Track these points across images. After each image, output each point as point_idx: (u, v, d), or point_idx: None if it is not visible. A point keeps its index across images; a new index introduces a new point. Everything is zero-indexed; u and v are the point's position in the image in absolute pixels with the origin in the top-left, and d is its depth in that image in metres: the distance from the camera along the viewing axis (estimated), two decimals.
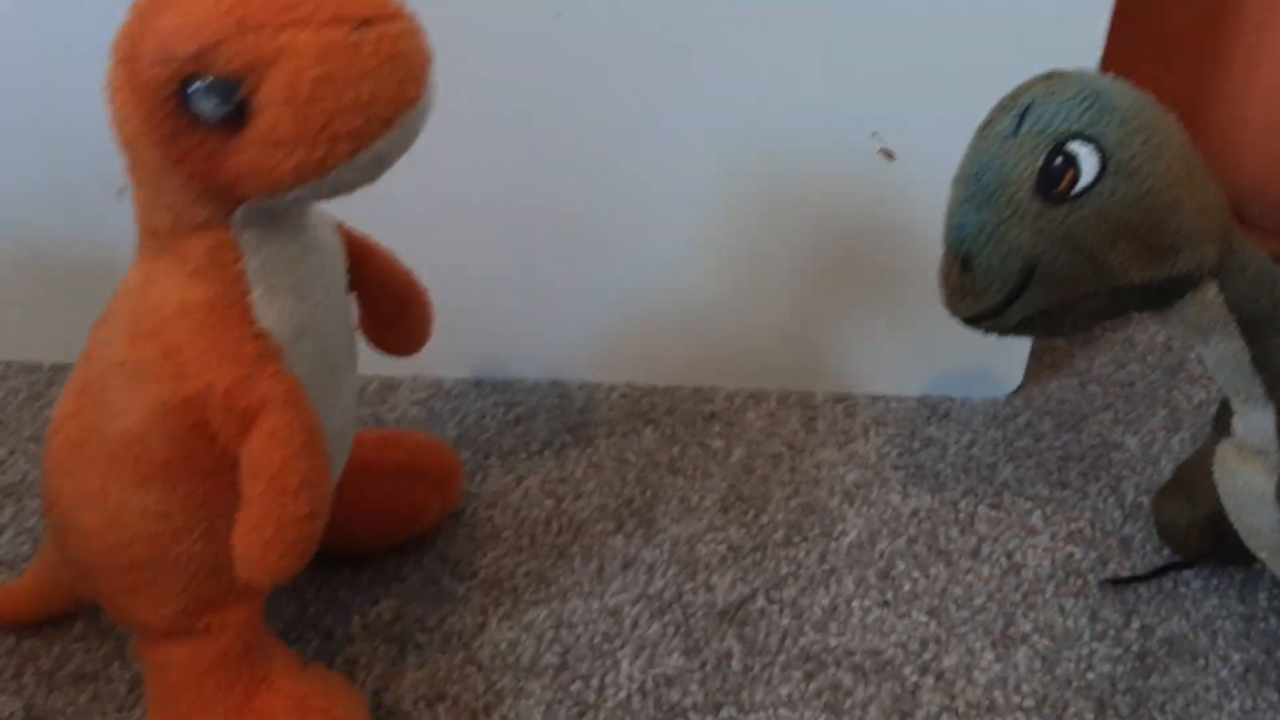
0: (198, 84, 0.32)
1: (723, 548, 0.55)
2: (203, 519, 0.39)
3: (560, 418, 0.65)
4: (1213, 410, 0.53)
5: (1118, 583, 0.53)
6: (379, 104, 0.32)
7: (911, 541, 0.56)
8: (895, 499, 0.59)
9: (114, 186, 0.61)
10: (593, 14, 0.55)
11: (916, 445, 0.63)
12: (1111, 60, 0.56)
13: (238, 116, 0.32)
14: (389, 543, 0.54)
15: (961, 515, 0.58)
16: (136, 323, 0.37)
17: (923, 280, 0.63)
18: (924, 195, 0.60)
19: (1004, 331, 0.42)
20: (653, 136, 0.59)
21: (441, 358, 0.63)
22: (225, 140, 0.33)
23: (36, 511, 0.57)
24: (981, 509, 0.58)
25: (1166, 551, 0.55)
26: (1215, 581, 0.53)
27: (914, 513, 0.58)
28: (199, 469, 0.38)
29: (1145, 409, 0.65)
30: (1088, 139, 0.37)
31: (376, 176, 0.34)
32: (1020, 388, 0.67)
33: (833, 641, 0.51)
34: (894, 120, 0.58)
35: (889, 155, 0.58)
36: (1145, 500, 0.58)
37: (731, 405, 0.66)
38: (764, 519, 0.57)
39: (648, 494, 0.59)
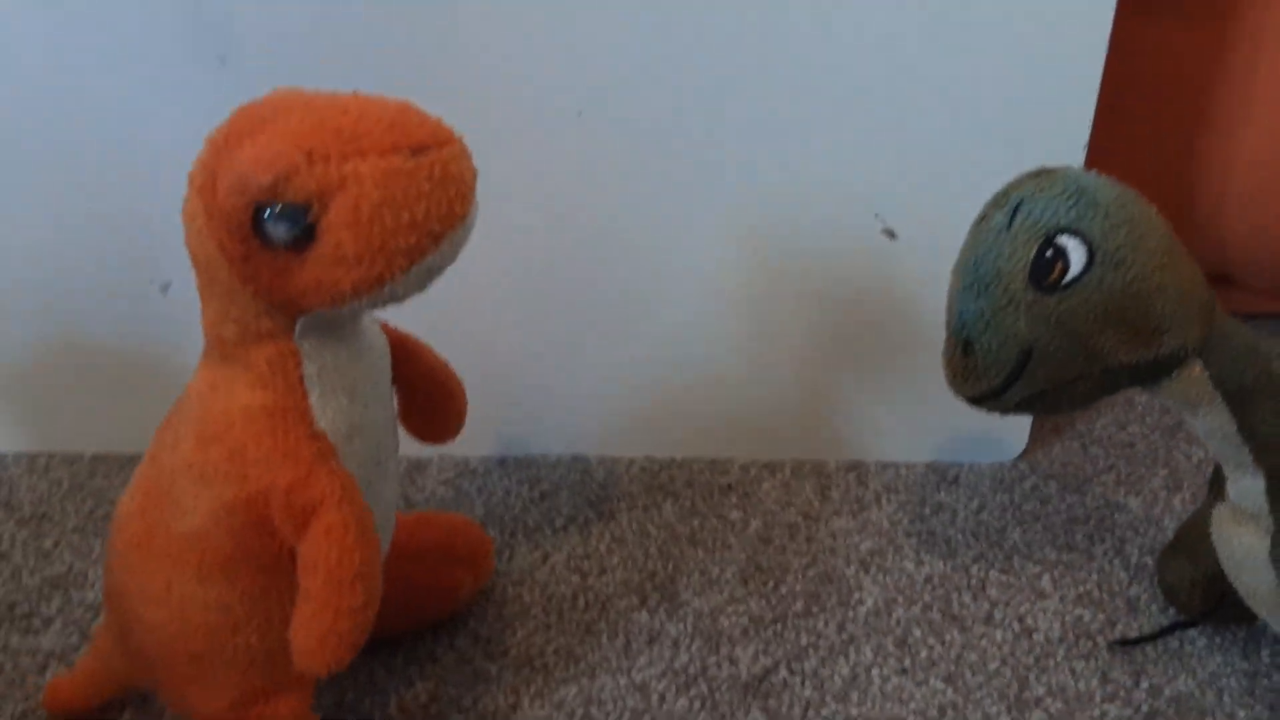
0: (270, 210, 0.35)
1: (744, 619, 0.57)
2: (260, 611, 0.41)
3: (583, 493, 0.67)
4: (1210, 470, 0.55)
5: (1126, 644, 0.55)
6: (432, 222, 0.35)
7: (926, 608, 0.58)
8: (909, 566, 0.61)
9: (157, 282, 0.65)
10: (610, 112, 0.59)
11: (927, 511, 0.65)
12: (1099, 138, 0.60)
13: (305, 238, 0.35)
14: (424, 623, 0.56)
15: (973, 581, 0.60)
16: (203, 427, 0.40)
17: (927, 351, 0.66)
18: (924, 272, 0.63)
19: (1005, 410, 0.44)
20: (667, 220, 0.63)
21: (467, 437, 0.66)
22: (293, 259, 0.36)
23: (83, 604, 0.59)
24: (993, 574, 0.60)
25: (1172, 611, 0.57)
26: (1219, 639, 0.55)
27: (928, 579, 0.60)
28: (259, 563, 0.40)
29: (1146, 469, 0.68)
30: (1075, 233, 0.40)
31: (427, 286, 0.38)
32: (1025, 451, 0.69)
33: (854, 711, 0.52)
34: (895, 203, 0.61)
35: (891, 235, 0.61)
36: (1149, 560, 0.60)
37: (747, 476, 0.68)
38: (783, 589, 0.59)
39: (670, 567, 0.61)
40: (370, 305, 0.37)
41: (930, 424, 0.68)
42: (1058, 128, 0.58)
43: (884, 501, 0.66)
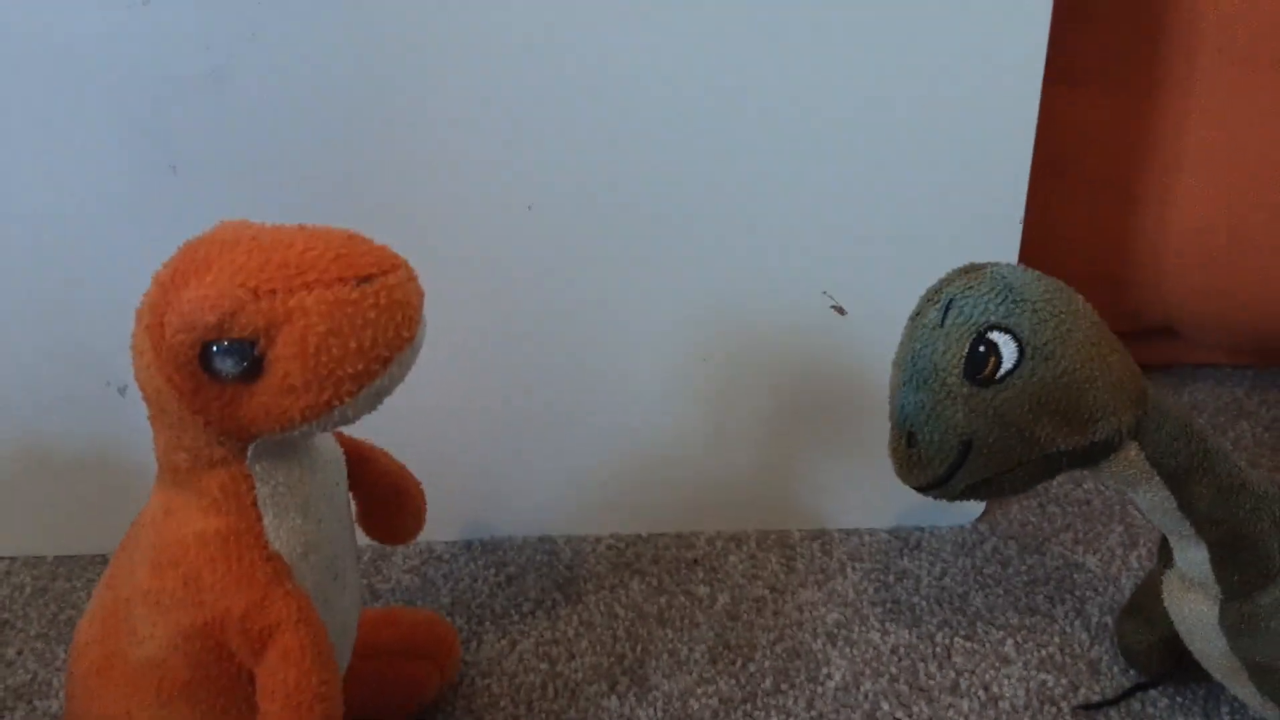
0: (217, 346, 0.36)
1: (714, 701, 0.58)
2: None
3: (550, 574, 0.68)
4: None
5: (1089, 708, 0.56)
6: (379, 348, 0.36)
7: (893, 680, 0.59)
8: (875, 637, 0.61)
9: (115, 384, 0.65)
10: (561, 202, 0.60)
11: (891, 579, 0.66)
12: (1035, 207, 0.62)
13: (253, 370, 0.36)
14: None
15: (938, 649, 0.61)
16: (158, 553, 0.40)
17: (882, 420, 0.67)
18: (874, 344, 0.64)
19: (951, 498, 0.45)
20: (622, 302, 0.64)
21: (432, 523, 0.66)
22: (242, 390, 0.37)
23: (47, 713, 0.59)
24: (957, 641, 0.61)
25: (1133, 672, 0.58)
26: (1180, 699, 0.56)
27: (893, 650, 0.61)
28: (217, 686, 0.40)
29: (1103, 526, 0.69)
30: (1004, 329, 0.41)
31: (376, 407, 0.38)
32: (985, 513, 0.70)
33: None
34: (842, 281, 0.63)
35: (840, 311, 0.63)
36: (1109, 620, 0.61)
37: (713, 549, 0.69)
38: (751, 668, 0.60)
39: (638, 649, 0.61)
40: (320, 429, 0.38)
41: (890, 490, 0.68)
42: (994, 203, 0.61)
43: (848, 570, 0.67)
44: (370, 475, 0.48)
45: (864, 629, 0.62)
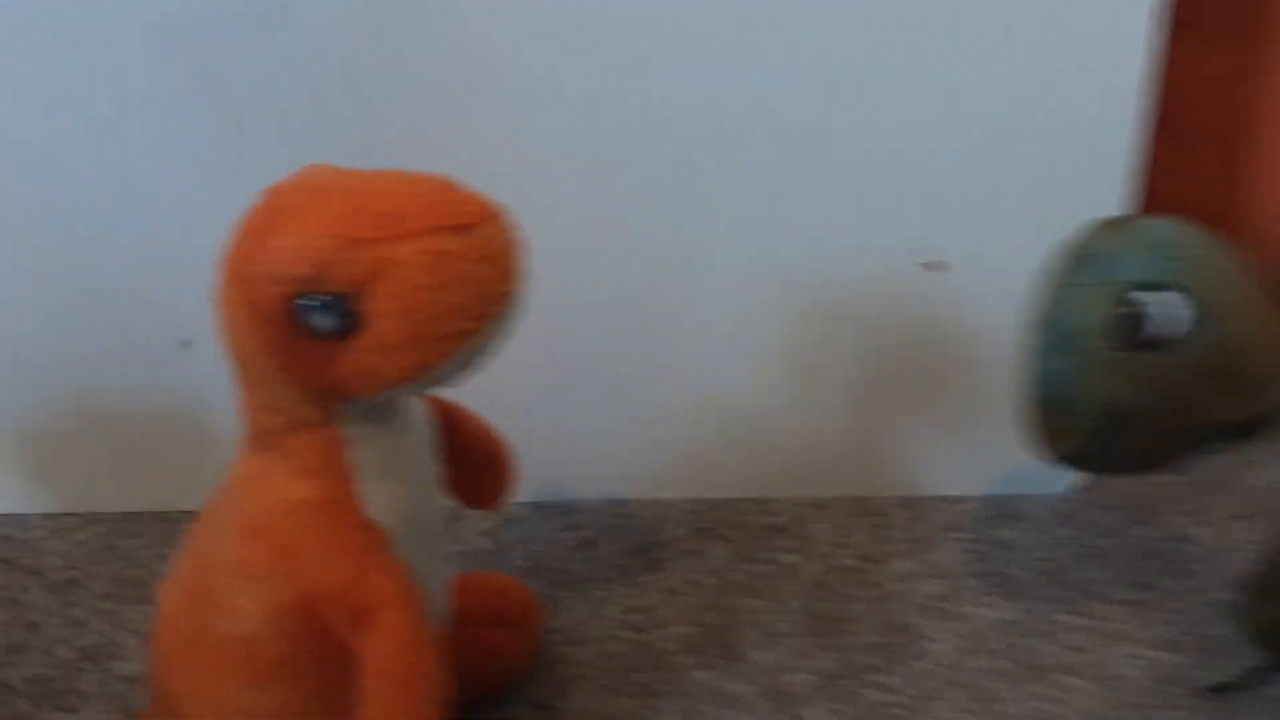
0: (311, 300, 0.33)
1: (811, 676, 0.55)
2: (318, 708, 0.39)
3: (627, 539, 0.65)
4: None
5: (1218, 690, 0.53)
6: (479, 304, 0.33)
7: (1000, 657, 0.56)
8: (977, 610, 0.58)
9: (178, 339, 0.62)
10: (647, 145, 0.57)
11: (990, 550, 0.63)
12: (1148, 160, 0.57)
13: (349, 326, 0.33)
14: (474, 694, 0.54)
15: (1045, 625, 0.58)
16: (247, 521, 0.38)
17: (978, 380, 0.64)
18: (976, 301, 0.61)
19: (1094, 469, 0.42)
20: (708, 254, 0.60)
21: None
22: (336, 348, 0.34)
23: (121, 677, 0.57)
24: (1064, 617, 0.58)
25: (1255, 653, 0.55)
26: None
27: (998, 625, 0.58)
28: (313, 661, 0.38)
29: (1210, 497, 0.65)
30: (1163, 288, 0.38)
31: (475, 366, 0.35)
32: (1083, 481, 0.67)
33: None
34: (945, 233, 0.59)
35: (939, 267, 0.59)
36: (1225, 596, 0.58)
37: (798, 516, 0.66)
38: (848, 641, 0.57)
39: (727, 619, 0.59)
40: (416, 390, 0.35)
41: (984, 455, 0.66)
42: (1102, 153, 0.56)
43: (943, 540, 0.63)
44: (460, 437, 0.45)
45: (964, 602, 0.59)
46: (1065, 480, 0.67)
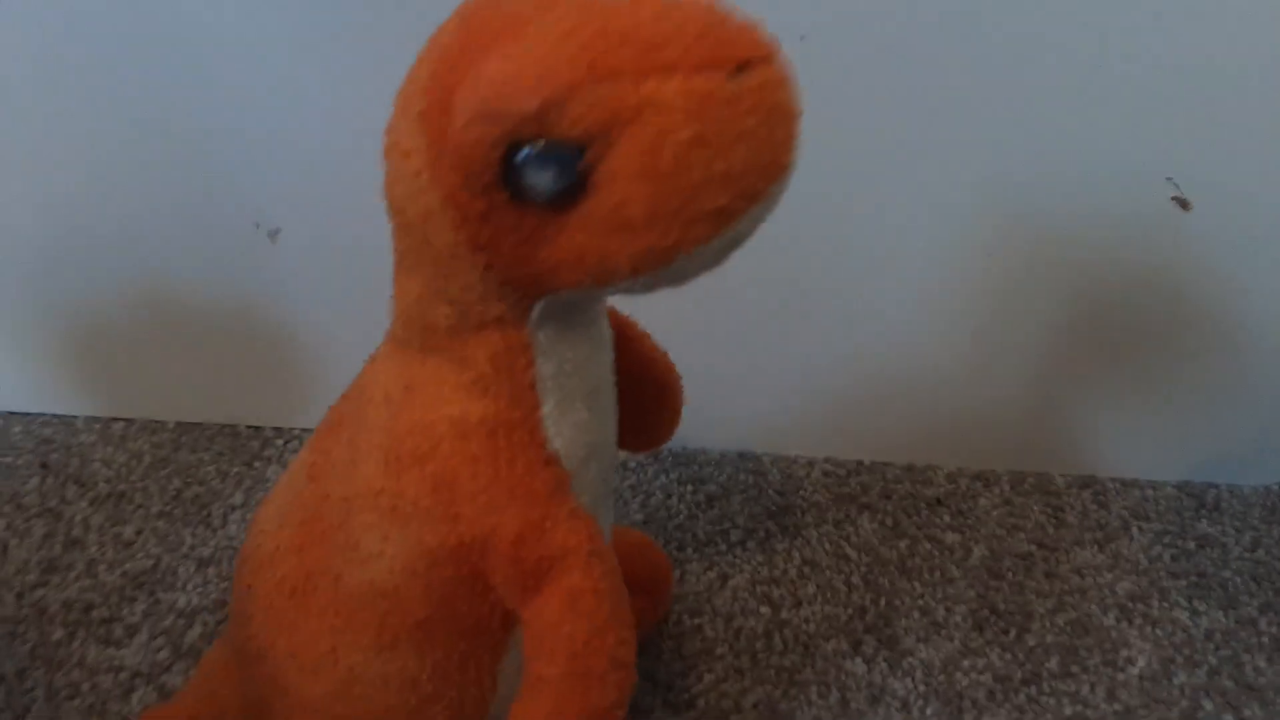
0: (531, 150, 0.23)
1: (987, 678, 0.46)
2: (453, 687, 0.30)
3: (758, 499, 0.56)
4: None
5: None
6: (751, 174, 0.23)
7: (1213, 673, 0.46)
8: (1182, 617, 0.49)
9: (264, 227, 0.54)
10: (832, 39, 0.47)
11: (1191, 546, 0.53)
12: None
13: (575, 189, 0.24)
14: None
15: (1264, 638, 0.48)
16: (397, 443, 0.28)
17: (1195, 349, 0.54)
18: (1211, 251, 0.51)
19: None
20: (887, 184, 0.50)
21: None
22: (551, 219, 0.24)
23: (173, 609, 0.49)
24: None
25: None
26: None
27: (1208, 635, 0.48)
28: (459, 628, 0.29)
29: None
30: None
31: (719, 264, 0.26)
32: None
33: None
34: (1187, 166, 0.49)
35: (1184, 205, 0.49)
36: None
37: (957, 489, 0.57)
38: (1029, 641, 0.48)
39: (881, 603, 0.50)
40: (642, 288, 0.26)
41: (1182, 436, 0.56)
42: None
43: (1134, 531, 0.54)
44: (634, 364, 0.36)
45: (1166, 605, 0.50)
46: (1274, 470, 0.57)
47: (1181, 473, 0.57)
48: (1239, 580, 0.51)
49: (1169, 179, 0.48)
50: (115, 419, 0.61)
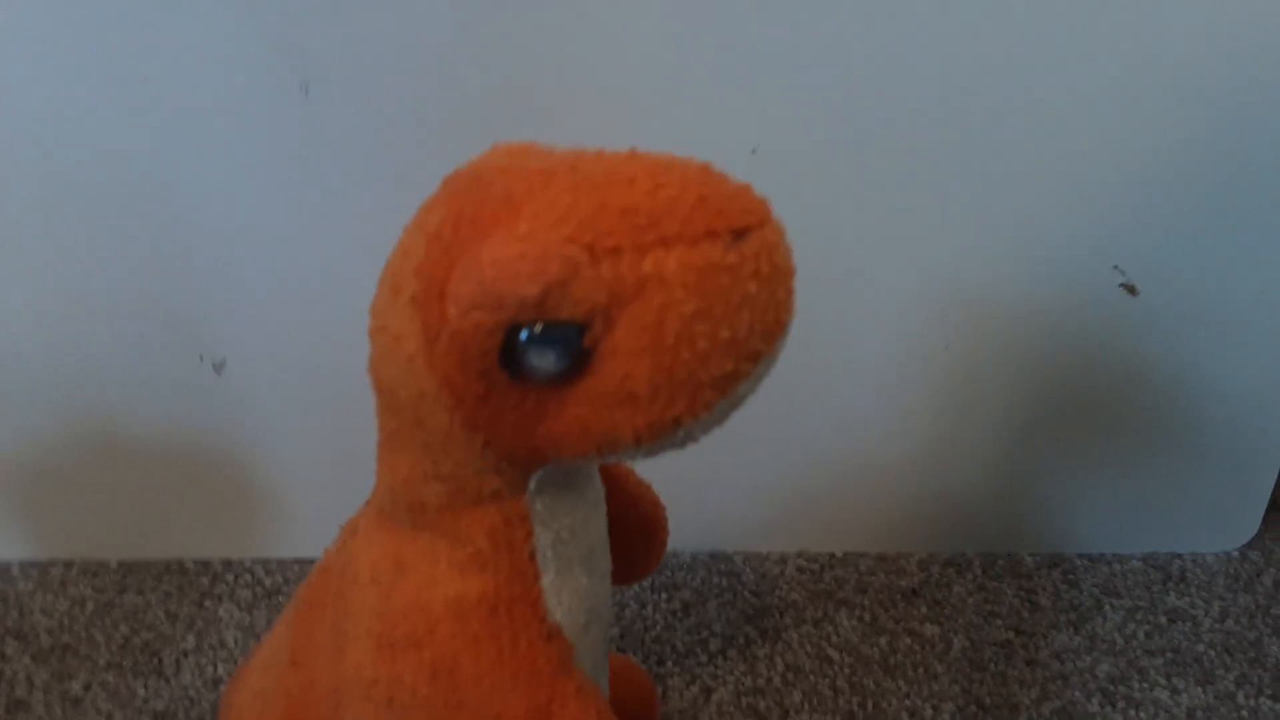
0: (531, 332, 0.23)
1: None
2: None
3: (734, 603, 0.55)
4: None
5: None
6: (754, 337, 0.23)
7: None
8: (1163, 696, 0.49)
9: (209, 359, 0.52)
10: (784, 145, 0.47)
11: (1163, 621, 0.54)
12: None
13: (577, 366, 0.23)
14: None
15: (1244, 712, 0.49)
16: (389, 627, 0.27)
17: (1150, 424, 0.55)
18: (1159, 332, 0.52)
19: None
20: (843, 281, 0.50)
21: None
22: (551, 397, 0.24)
23: None
24: (1265, 703, 0.49)
25: None
26: None
27: (1190, 714, 0.49)
28: None
29: None
30: None
31: (722, 424, 0.25)
32: (1255, 537, 0.58)
33: None
34: (1134, 252, 0.50)
35: (1131, 290, 0.50)
36: None
37: (930, 577, 0.57)
38: None
39: (869, 706, 0.49)
40: (643, 455, 0.25)
41: (1143, 509, 0.57)
42: None
43: (1106, 609, 0.54)
44: (621, 503, 0.35)
45: (1145, 686, 0.50)
46: (1237, 536, 0.58)
47: (1145, 544, 0.58)
48: (1213, 654, 0.52)
49: (1116, 267, 0.50)
50: (53, 562, 0.58)
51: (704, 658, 0.52)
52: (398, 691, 0.26)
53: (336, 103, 0.45)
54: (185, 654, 0.52)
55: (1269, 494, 0.57)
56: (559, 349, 0.23)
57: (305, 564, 0.58)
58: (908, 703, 0.49)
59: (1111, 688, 0.50)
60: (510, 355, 0.23)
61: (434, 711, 0.26)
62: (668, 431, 0.24)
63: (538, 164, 0.24)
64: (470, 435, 0.25)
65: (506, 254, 0.22)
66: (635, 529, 0.37)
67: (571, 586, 0.28)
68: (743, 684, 0.51)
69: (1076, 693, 0.50)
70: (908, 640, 0.53)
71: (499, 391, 0.24)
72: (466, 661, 0.26)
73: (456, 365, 0.23)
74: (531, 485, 0.27)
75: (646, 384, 0.23)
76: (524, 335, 0.23)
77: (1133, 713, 0.49)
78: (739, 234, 0.23)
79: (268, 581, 0.57)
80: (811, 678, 0.51)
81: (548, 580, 0.27)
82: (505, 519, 0.26)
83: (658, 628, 0.54)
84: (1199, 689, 0.50)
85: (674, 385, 0.23)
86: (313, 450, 0.55)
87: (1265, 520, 0.58)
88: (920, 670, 0.51)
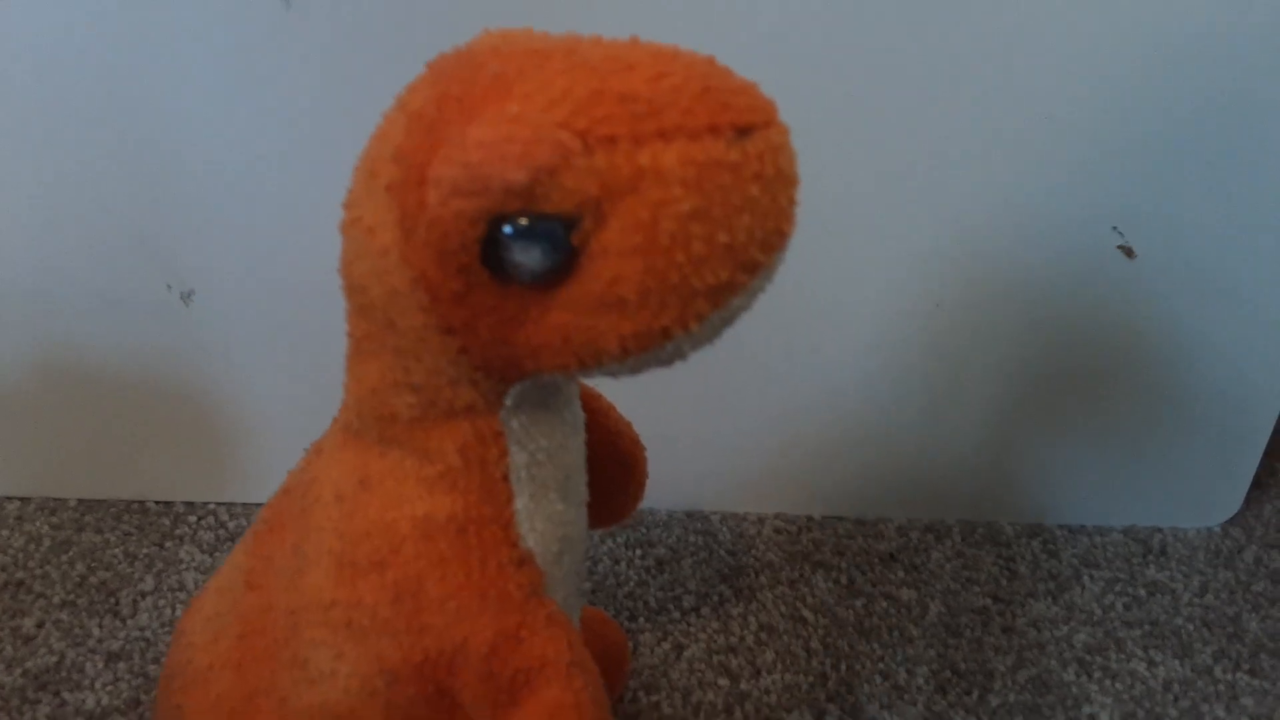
0: (515, 225, 0.21)
1: None
2: None
3: (709, 562, 0.54)
4: None
5: None
6: (753, 245, 0.22)
7: None
8: (1140, 668, 0.49)
9: (176, 289, 0.50)
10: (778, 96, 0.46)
11: (1142, 593, 0.53)
12: None
13: (564, 265, 0.22)
14: None
15: (1221, 686, 0.48)
16: (351, 547, 0.25)
17: (1138, 394, 0.54)
18: (1154, 298, 0.51)
19: None
20: (830, 236, 0.49)
21: None
22: (534, 299, 0.22)
23: (80, 710, 0.45)
24: (1242, 678, 0.49)
25: None
26: None
27: (1166, 686, 0.48)
28: None
29: None
30: None
31: (713, 342, 0.24)
32: (1238, 513, 0.58)
33: None
34: (1134, 213, 0.49)
35: (1129, 252, 0.49)
36: None
37: (909, 542, 0.56)
38: (992, 701, 0.47)
39: (842, 667, 0.48)
40: (628, 370, 0.24)
41: (1126, 481, 0.56)
42: None
43: (1085, 579, 0.54)
44: (601, 438, 0.34)
45: (1123, 657, 0.49)
46: (1220, 512, 0.58)
47: (1127, 517, 0.57)
48: (1191, 628, 0.51)
49: (1114, 228, 0.48)
50: (9, 498, 0.56)
51: (677, 614, 0.51)
52: (357, 614, 0.25)
53: (318, 15, 0.43)
54: (143, 595, 0.51)
55: (1253, 471, 0.56)
56: (545, 245, 0.21)
57: None
58: (881, 665, 0.48)
59: (1088, 657, 0.49)
60: (492, 251, 0.22)
61: (396, 636, 0.25)
62: (655, 343, 0.22)
63: (533, 45, 0.22)
64: (445, 339, 0.23)
65: (494, 135, 0.20)
66: (614, 467, 0.35)
67: (546, 512, 0.26)
68: (715, 642, 0.50)
69: (1053, 661, 0.49)
70: (884, 604, 0.52)
71: (478, 291, 0.22)
72: (432, 583, 0.25)
73: (434, 259, 0.22)
74: (508, 401, 0.25)
75: (636, 288, 0.21)
76: (508, 229, 0.21)
77: (1109, 683, 0.48)
78: (743, 131, 0.21)
79: (231, 525, 0.55)
80: (785, 638, 0.50)
81: (521, 503, 0.26)
82: (479, 435, 0.25)
83: (631, 583, 0.53)
84: (1176, 661, 0.49)
85: (665, 291, 0.21)
86: (282, 391, 0.53)
87: (1248, 497, 0.58)
88: (895, 634, 0.50)
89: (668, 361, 0.24)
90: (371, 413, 0.26)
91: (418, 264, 0.22)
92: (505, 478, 0.26)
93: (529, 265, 0.22)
